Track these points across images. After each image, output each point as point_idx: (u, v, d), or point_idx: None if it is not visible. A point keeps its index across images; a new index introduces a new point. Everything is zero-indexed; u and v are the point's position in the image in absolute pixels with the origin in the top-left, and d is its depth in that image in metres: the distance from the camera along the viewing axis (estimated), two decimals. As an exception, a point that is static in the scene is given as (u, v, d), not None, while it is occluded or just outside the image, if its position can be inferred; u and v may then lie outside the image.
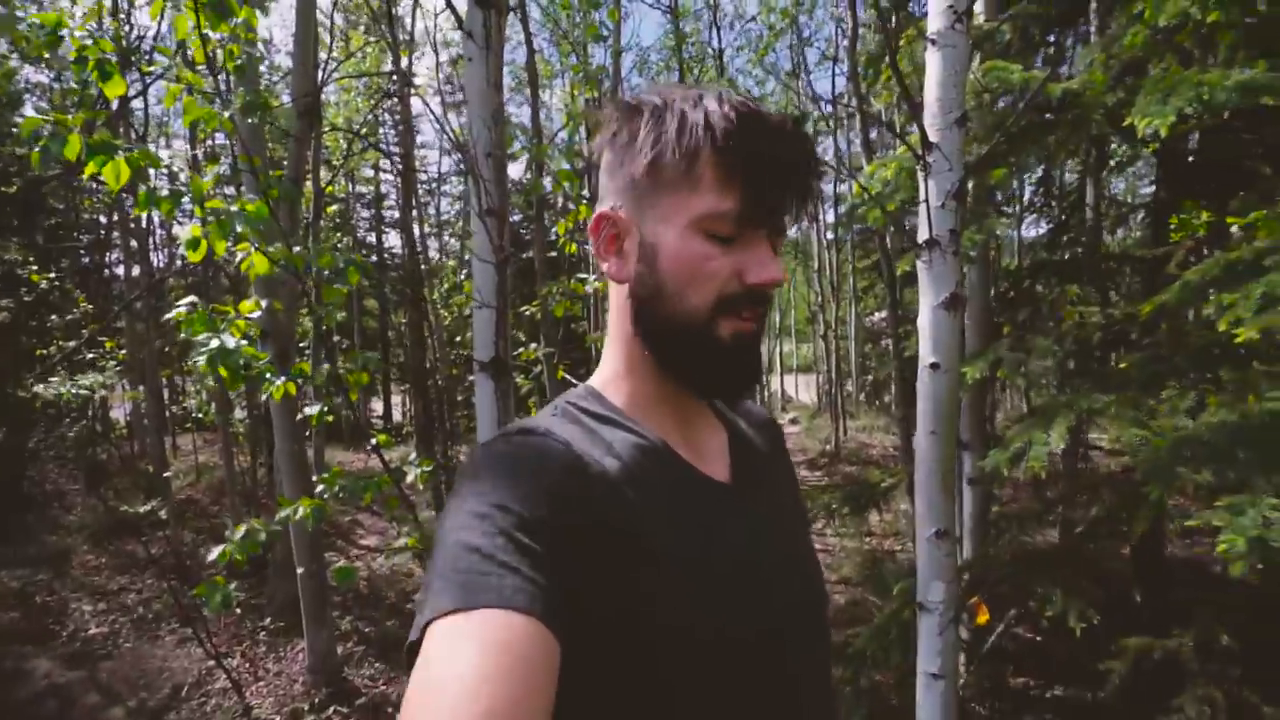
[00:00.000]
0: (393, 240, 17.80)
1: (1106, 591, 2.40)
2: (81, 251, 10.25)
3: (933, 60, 1.75)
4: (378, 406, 17.44)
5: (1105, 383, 1.89)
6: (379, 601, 4.59)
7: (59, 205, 9.28)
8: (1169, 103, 1.65)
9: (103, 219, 9.82)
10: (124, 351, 6.92)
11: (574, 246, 3.77)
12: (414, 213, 7.20)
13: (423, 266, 6.90)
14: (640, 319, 0.60)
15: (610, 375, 0.64)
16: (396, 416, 17.41)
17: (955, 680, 1.84)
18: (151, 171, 2.52)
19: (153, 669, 3.67)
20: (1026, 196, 6.61)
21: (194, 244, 2.40)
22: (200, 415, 6.67)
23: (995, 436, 3.23)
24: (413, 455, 2.89)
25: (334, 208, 11.23)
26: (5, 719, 3.19)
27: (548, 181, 4.40)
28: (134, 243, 7.16)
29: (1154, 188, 3.41)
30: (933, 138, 1.71)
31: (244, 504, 5.49)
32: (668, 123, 0.56)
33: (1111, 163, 4.43)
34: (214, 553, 2.52)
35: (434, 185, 18.18)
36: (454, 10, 2.45)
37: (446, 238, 18.03)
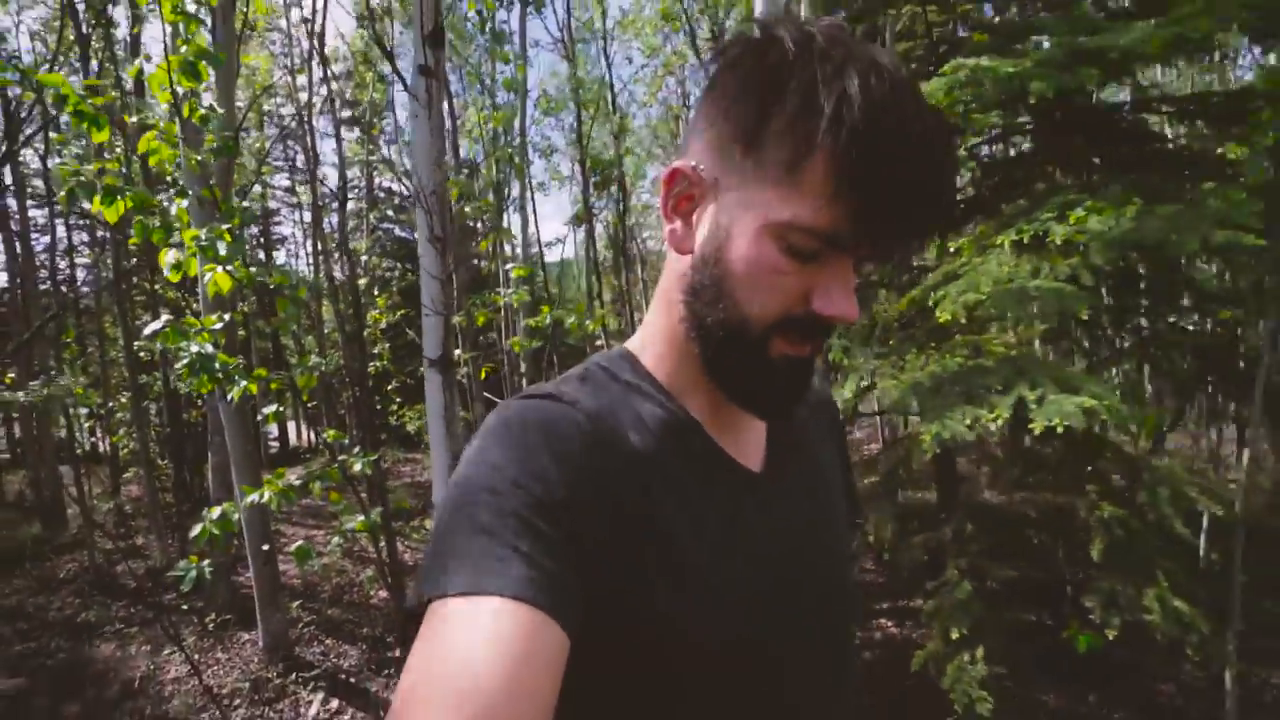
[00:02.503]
0: (280, 256, 17.43)
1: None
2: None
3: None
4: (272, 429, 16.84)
5: (881, 353, 2.77)
6: (316, 593, 4.91)
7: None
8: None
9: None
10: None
11: (492, 267, 4.41)
12: (321, 230, 7.45)
13: (360, 281, 7.21)
14: (692, 301, 0.53)
15: (650, 340, 0.58)
16: (293, 440, 17.01)
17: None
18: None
19: (95, 671, 3.85)
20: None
21: (177, 267, 2.84)
22: (119, 444, 6.50)
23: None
24: (357, 449, 3.26)
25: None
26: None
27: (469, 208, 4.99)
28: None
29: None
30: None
31: (165, 518, 5.56)
32: (790, 89, 0.45)
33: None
34: (194, 530, 2.91)
35: (325, 202, 17.96)
36: (401, 78, 3.04)
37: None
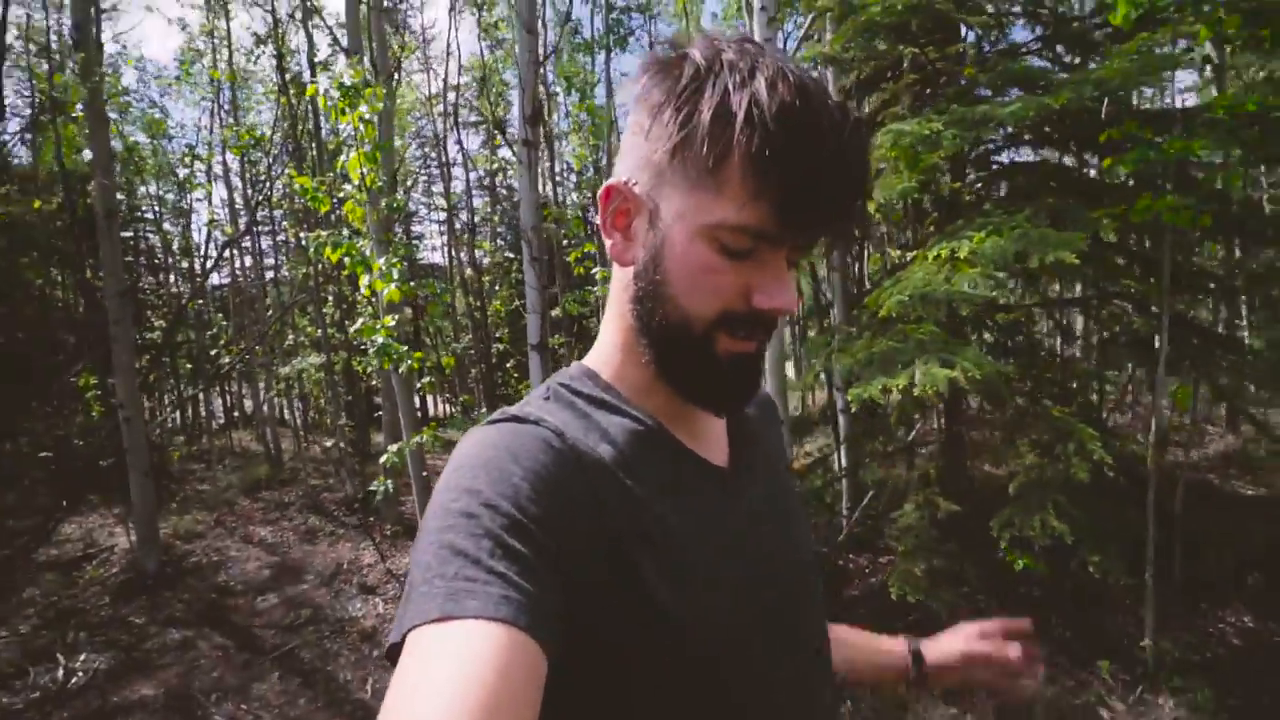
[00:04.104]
0: (421, 250, 20.03)
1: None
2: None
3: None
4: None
5: (842, 341, 3.70)
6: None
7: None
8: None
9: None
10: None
11: (582, 269, 5.68)
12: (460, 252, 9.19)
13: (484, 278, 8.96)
14: (638, 310, 0.55)
15: (607, 354, 0.61)
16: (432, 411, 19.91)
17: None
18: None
19: (317, 559, 5.63)
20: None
21: (369, 285, 4.29)
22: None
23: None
24: (483, 410, 4.62)
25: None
26: (237, 585, 5.11)
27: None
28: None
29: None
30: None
31: (348, 458, 7.49)
32: (704, 100, 0.48)
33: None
34: (383, 456, 4.42)
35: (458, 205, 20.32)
36: (510, 147, 4.31)
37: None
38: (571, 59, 7.36)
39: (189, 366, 9.72)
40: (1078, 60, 4.09)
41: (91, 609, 4.65)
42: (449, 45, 7.77)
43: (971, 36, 4.58)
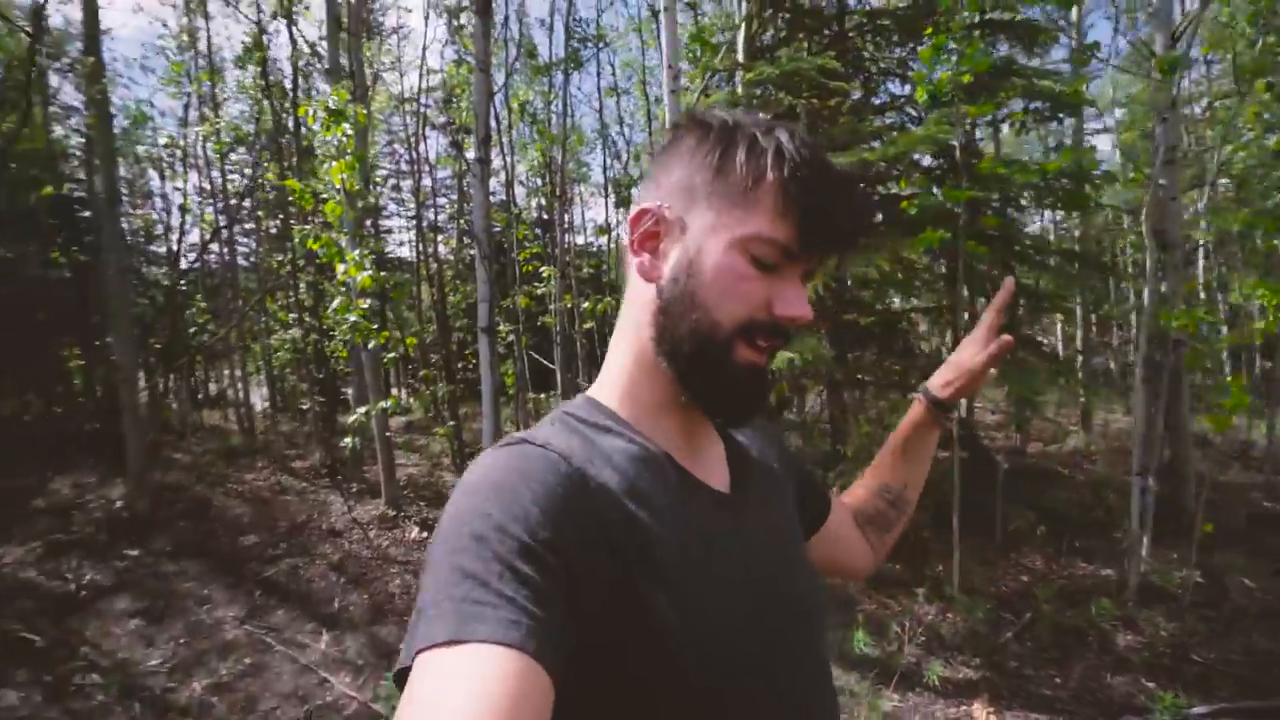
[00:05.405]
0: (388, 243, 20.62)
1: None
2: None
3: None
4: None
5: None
6: (415, 480, 7.42)
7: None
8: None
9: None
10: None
11: (530, 268, 6.66)
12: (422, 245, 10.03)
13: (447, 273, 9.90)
14: (663, 320, 0.59)
15: (613, 380, 0.63)
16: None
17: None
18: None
19: (287, 512, 6.42)
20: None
21: (345, 272, 5.13)
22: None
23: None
24: (442, 384, 5.49)
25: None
26: (218, 527, 5.86)
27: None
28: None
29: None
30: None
31: (318, 430, 8.27)
32: (739, 139, 0.57)
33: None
34: (351, 418, 5.26)
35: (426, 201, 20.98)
36: (467, 162, 5.19)
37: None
38: (534, 79, 8.27)
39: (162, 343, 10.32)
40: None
41: (91, 542, 5.38)
42: (423, 54, 8.51)
43: (857, 94, 5.63)
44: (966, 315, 4.14)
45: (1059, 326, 14.37)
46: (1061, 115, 5.23)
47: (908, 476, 0.88)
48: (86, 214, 8.95)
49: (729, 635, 0.54)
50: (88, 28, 5.65)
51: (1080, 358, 9.15)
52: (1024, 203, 5.35)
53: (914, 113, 5.30)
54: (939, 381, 0.88)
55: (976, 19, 5.06)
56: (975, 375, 0.86)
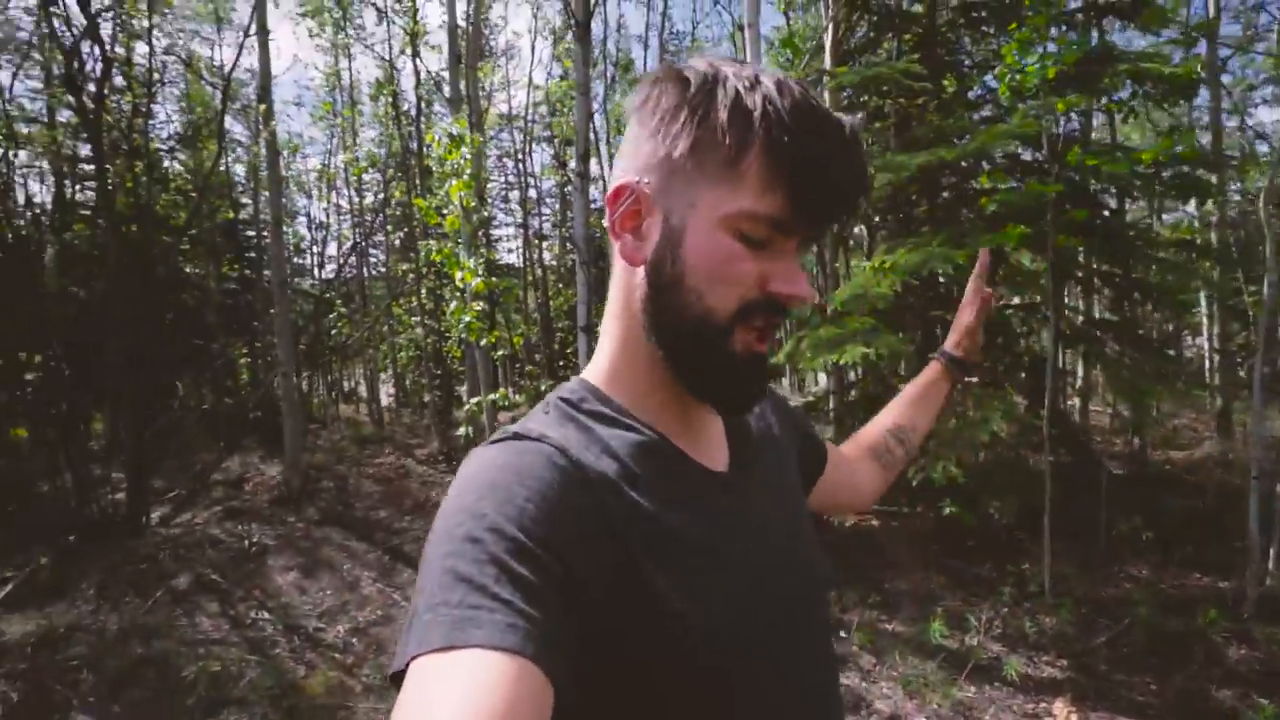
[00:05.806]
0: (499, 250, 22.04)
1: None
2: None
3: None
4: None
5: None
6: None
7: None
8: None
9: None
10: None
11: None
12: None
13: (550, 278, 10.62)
14: (652, 308, 0.56)
15: (606, 365, 0.61)
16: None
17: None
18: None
19: (413, 484, 7.22)
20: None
21: (461, 278, 5.77)
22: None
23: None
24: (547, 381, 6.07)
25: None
26: (355, 502, 6.71)
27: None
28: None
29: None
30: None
31: (436, 421, 9.16)
32: (718, 102, 0.51)
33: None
34: (464, 410, 5.89)
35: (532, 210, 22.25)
36: (569, 178, 5.68)
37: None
38: (627, 94, 8.76)
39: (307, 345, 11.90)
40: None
41: (257, 509, 6.38)
42: (530, 75, 9.24)
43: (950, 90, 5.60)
44: (1074, 312, 4.08)
45: (1203, 324, 13.02)
46: (1177, 99, 4.96)
47: (917, 421, 0.97)
48: (250, 234, 10.48)
49: (734, 616, 0.54)
50: (262, 79, 6.70)
51: (1216, 358, 8.34)
52: (1135, 193, 5.12)
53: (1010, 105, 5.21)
54: (952, 342, 1.00)
55: (1080, 2, 4.93)
56: (970, 331, 1.00)
